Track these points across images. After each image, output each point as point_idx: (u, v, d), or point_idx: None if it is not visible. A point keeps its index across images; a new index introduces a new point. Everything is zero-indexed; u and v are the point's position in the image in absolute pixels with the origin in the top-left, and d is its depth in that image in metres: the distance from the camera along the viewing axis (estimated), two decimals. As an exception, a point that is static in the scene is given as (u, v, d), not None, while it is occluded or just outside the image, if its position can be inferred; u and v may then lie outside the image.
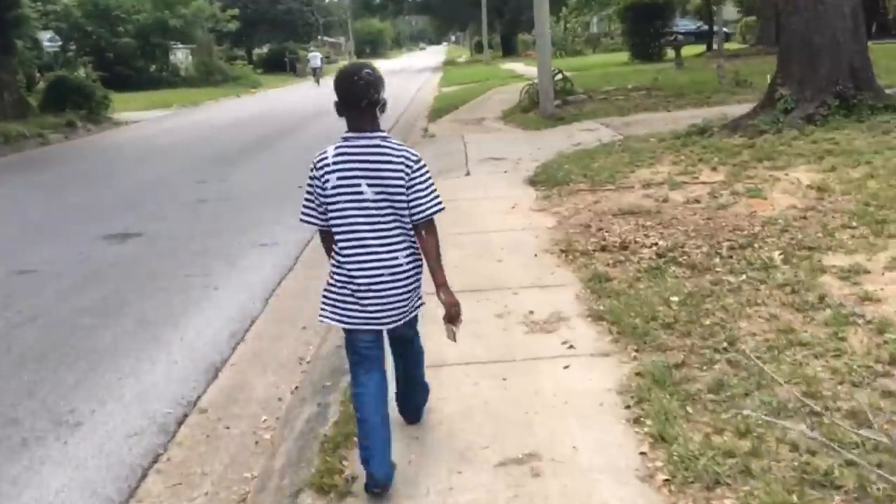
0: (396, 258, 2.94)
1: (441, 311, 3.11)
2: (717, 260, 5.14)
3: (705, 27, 33.75)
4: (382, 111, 2.94)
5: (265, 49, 66.48)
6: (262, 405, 4.30)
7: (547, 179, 8.53)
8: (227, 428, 4.06)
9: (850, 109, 8.78)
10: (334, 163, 2.89)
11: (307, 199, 3.00)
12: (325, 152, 2.93)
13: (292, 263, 6.99)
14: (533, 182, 8.69)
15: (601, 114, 13.77)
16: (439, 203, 2.99)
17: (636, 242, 5.79)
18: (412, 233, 2.98)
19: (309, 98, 32.03)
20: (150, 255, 7.45)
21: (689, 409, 3.33)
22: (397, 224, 2.93)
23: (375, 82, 2.87)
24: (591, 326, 4.42)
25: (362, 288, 2.94)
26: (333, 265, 3.00)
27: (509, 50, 59.00)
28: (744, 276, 4.75)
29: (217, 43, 52.80)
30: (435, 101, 22.88)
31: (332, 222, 2.93)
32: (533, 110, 15.48)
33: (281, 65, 58.70)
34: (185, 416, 4.24)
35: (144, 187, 11.50)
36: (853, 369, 3.45)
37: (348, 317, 3.01)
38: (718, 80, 15.26)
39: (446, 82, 32.36)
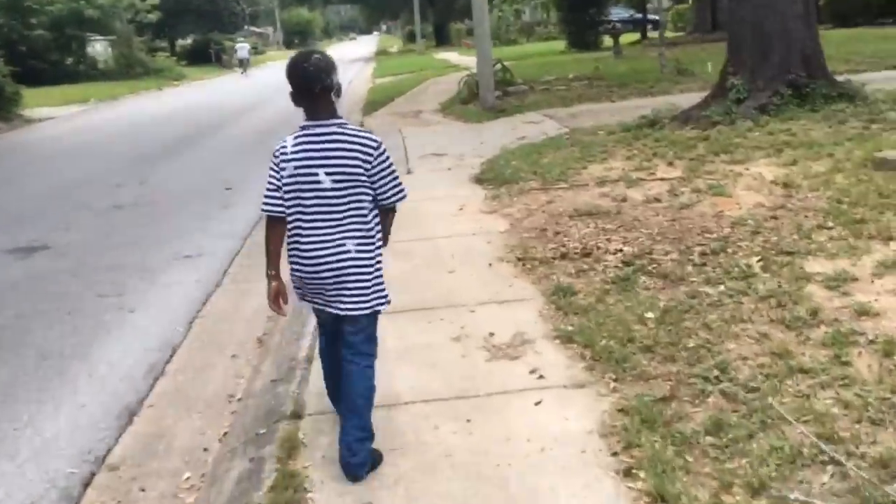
0: (344, 245, 2.92)
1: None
2: (689, 268, 4.71)
3: (638, 15, 33.85)
4: (338, 95, 2.95)
5: (189, 40, 64.37)
6: (184, 457, 3.67)
7: (494, 177, 8.03)
8: (143, 490, 3.43)
9: (804, 98, 8.52)
10: (293, 152, 2.90)
11: (270, 188, 2.96)
12: (284, 141, 2.95)
13: (220, 278, 6.32)
14: (480, 180, 8.18)
15: (544, 105, 13.35)
16: (402, 191, 3.03)
17: (599, 248, 5.32)
18: (366, 221, 2.97)
19: (237, 90, 30.89)
20: (58, 273, 6.65)
21: (688, 458, 2.86)
22: (351, 212, 2.92)
23: (327, 67, 2.88)
24: (561, 350, 3.92)
25: (310, 274, 2.97)
26: (288, 250, 3.02)
27: (442, 39, 58.38)
28: (722, 287, 4.33)
29: (138, 34, 50.82)
30: (369, 93, 22.16)
31: (288, 210, 2.93)
32: (473, 102, 14.98)
33: (206, 56, 56.77)
34: (93, 475, 3.58)
35: (55, 192, 10.56)
36: (868, 403, 3.03)
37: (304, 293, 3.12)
38: (660, 69, 15.02)
39: (380, 73, 31.60)
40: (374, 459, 3.05)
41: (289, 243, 2.99)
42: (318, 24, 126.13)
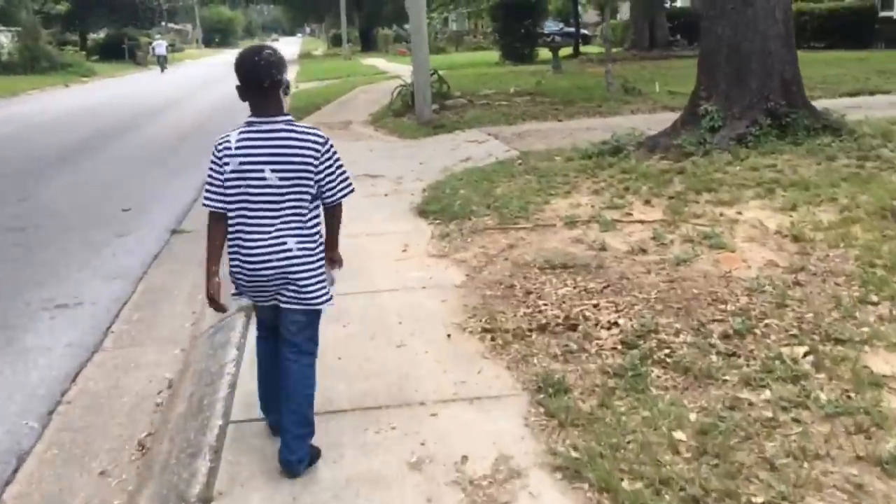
0: (286, 243, 2.86)
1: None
2: (713, 357, 3.66)
3: (569, 29, 33.38)
4: (286, 93, 2.92)
5: (102, 35, 61.12)
6: None
7: (441, 210, 6.88)
8: None
9: (784, 129, 7.68)
10: (237, 148, 2.82)
11: (211, 182, 2.88)
12: (227, 137, 2.86)
13: (99, 340, 4.97)
14: (424, 212, 7.02)
15: (486, 121, 12.29)
16: (350, 185, 2.99)
17: (587, 319, 4.23)
18: (305, 218, 2.90)
19: (150, 89, 28.90)
20: None
21: None
22: (295, 210, 2.87)
23: (277, 63, 2.81)
24: (567, 494, 2.80)
25: (252, 271, 2.90)
26: (229, 246, 2.94)
27: (369, 44, 57.14)
28: (768, 393, 3.29)
29: (45, 26, 47.72)
30: (293, 98, 20.69)
31: (229, 206, 2.86)
32: (407, 114, 13.83)
33: (119, 52, 53.83)
34: None
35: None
36: None
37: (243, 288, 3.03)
38: (606, 86, 14.17)
39: (304, 77, 30.09)
40: (313, 455, 3.07)
41: (230, 240, 2.91)
42: (239, 22, 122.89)
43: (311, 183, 2.85)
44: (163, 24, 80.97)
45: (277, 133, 2.79)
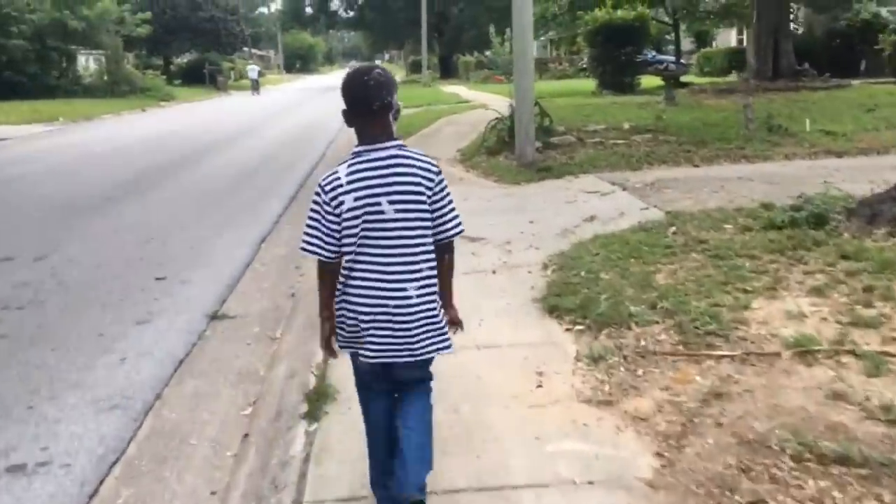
0: (405, 289, 2.53)
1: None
2: None
3: (662, 57, 30.96)
4: (396, 118, 2.57)
5: (186, 59, 61.54)
6: None
7: (581, 308, 4.76)
8: None
9: None
10: (348, 182, 2.48)
11: (312, 226, 2.56)
12: (335, 172, 2.52)
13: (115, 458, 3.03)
14: (554, 308, 4.91)
15: (602, 165, 10.14)
16: (460, 222, 2.67)
17: None
18: (430, 256, 2.57)
19: (225, 115, 27.81)
20: None
21: None
22: (414, 248, 2.54)
23: (388, 83, 2.52)
24: None
25: (360, 321, 2.55)
26: (338, 295, 2.60)
27: (448, 71, 55.71)
28: None
29: (127, 49, 47.90)
30: (371, 129, 18.97)
31: (347, 249, 2.53)
32: (503, 153, 11.82)
33: (201, 77, 53.87)
34: None
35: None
36: None
37: (350, 343, 2.66)
38: (745, 123, 11.83)
39: (383, 105, 28.50)
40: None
41: (340, 283, 2.59)
42: (320, 49, 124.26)
43: (429, 216, 2.55)
44: (245, 49, 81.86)
45: (390, 160, 2.50)
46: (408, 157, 2.53)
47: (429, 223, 2.55)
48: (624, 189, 8.60)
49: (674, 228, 6.37)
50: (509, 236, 7.05)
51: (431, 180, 2.54)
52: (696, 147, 10.88)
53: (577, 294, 5.04)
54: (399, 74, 74.19)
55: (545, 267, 5.94)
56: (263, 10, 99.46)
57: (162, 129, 22.39)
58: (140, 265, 7.09)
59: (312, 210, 2.56)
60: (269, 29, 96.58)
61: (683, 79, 27.50)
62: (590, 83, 24.62)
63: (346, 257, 2.54)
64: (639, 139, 11.72)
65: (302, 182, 11.65)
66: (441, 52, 59.34)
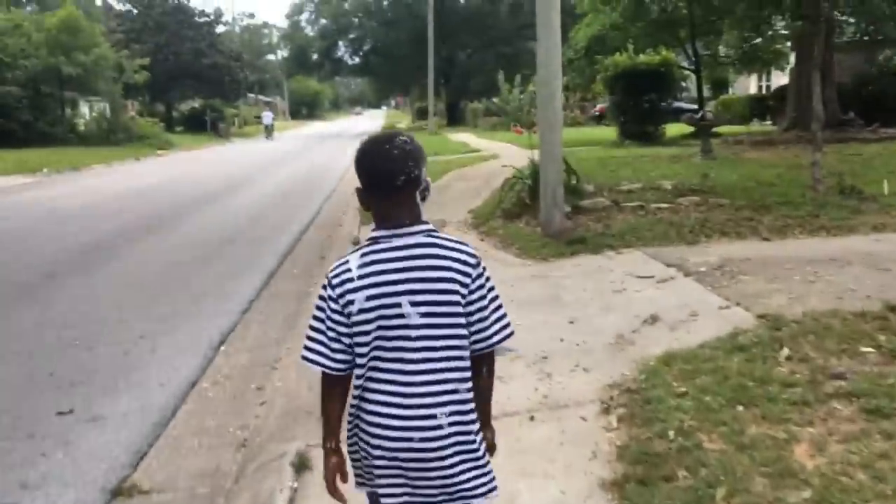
0: (434, 416, 1.96)
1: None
2: None
3: (678, 104, 29.35)
4: (424, 198, 2.04)
5: (190, 106, 60.50)
6: None
7: (672, 497, 2.90)
8: None
9: None
10: (360, 276, 1.98)
11: (316, 328, 2.03)
12: (345, 262, 2.01)
13: None
14: (639, 497, 3.05)
15: (647, 236, 8.29)
16: (508, 323, 2.10)
17: None
18: (462, 377, 1.99)
19: (221, 166, 26.23)
20: None
21: None
22: (445, 363, 1.97)
23: (415, 153, 1.99)
24: None
25: (381, 453, 1.99)
26: (351, 420, 2.07)
27: (455, 118, 54.38)
28: None
29: (130, 96, 46.77)
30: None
31: (358, 360, 1.99)
32: (524, 216, 10.03)
33: (204, 124, 52.67)
34: None
35: None
36: None
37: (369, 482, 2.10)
38: (813, 184, 9.99)
39: (387, 154, 26.89)
40: None
41: (352, 405, 2.05)
42: (327, 95, 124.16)
43: (464, 321, 2.00)
44: (250, 96, 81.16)
45: (415, 250, 1.98)
46: (439, 246, 2.00)
47: (464, 330, 2.00)
48: (685, 274, 6.74)
49: (787, 352, 4.49)
50: (545, 345, 5.21)
51: (468, 275, 2.00)
52: (757, 214, 9.02)
53: (673, 482, 3.17)
54: (405, 121, 73.24)
55: (606, 410, 4.08)
56: (271, 56, 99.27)
57: (149, 181, 20.74)
58: (46, 387, 5.25)
59: (318, 308, 2.04)
60: (275, 76, 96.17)
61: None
62: (609, 132, 22.95)
63: (358, 371, 2.00)
64: (685, 202, 9.86)
65: (286, 252, 9.86)
66: (448, 99, 58.14)
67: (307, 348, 2.05)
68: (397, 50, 53.90)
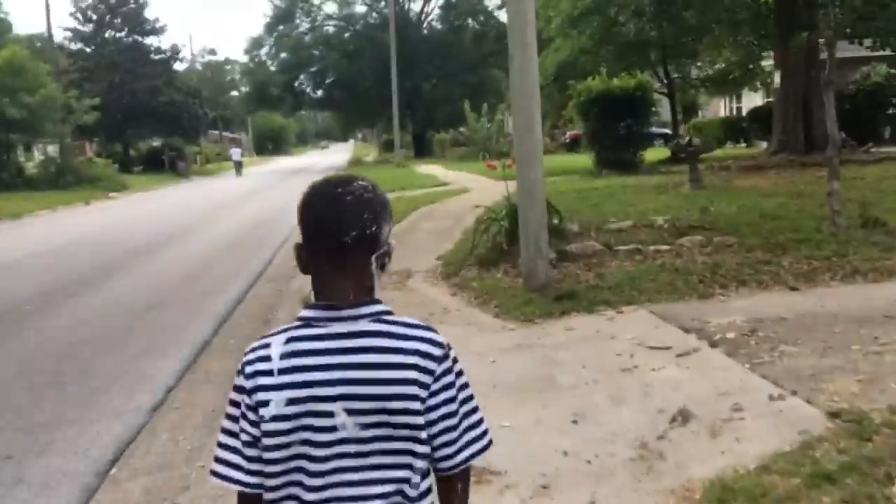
0: None
1: None
2: None
3: (660, 130, 28.42)
4: (383, 265, 1.54)
5: (152, 145, 58.76)
6: None
7: None
8: None
9: None
10: (282, 370, 1.48)
11: (229, 432, 1.55)
12: (265, 346, 1.52)
13: None
14: None
15: (649, 287, 6.90)
16: (485, 432, 1.59)
17: None
18: (413, 498, 1.51)
19: (173, 207, 24.66)
20: None
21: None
22: (389, 485, 1.48)
23: (375, 204, 1.52)
24: None
25: None
26: None
27: (422, 150, 53.23)
28: None
29: (85, 137, 45.02)
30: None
31: (269, 481, 1.50)
32: (501, 264, 8.66)
33: (162, 163, 50.95)
34: None
35: None
36: None
37: None
38: (831, 217, 8.70)
39: (351, 191, 25.47)
40: None
41: None
42: (292, 129, 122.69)
43: (422, 434, 1.49)
44: (213, 132, 79.53)
45: (361, 340, 1.47)
46: (392, 336, 1.48)
47: (423, 447, 1.50)
48: (710, 343, 5.37)
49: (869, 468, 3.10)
50: (543, 462, 3.82)
51: (431, 372, 1.49)
52: (773, 255, 7.71)
53: None
54: (372, 154, 71.91)
55: None
56: (235, 92, 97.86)
57: (91, 229, 19.09)
58: None
59: (231, 403, 1.54)
60: (239, 112, 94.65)
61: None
62: (584, 160, 21.76)
63: (269, 497, 1.51)
64: (687, 243, 8.52)
65: (225, 316, 8.38)
66: (414, 130, 57.06)
67: (218, 459, 1.56)
68: (361, 82, 52.79)
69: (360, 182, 1.55)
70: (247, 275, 10.99)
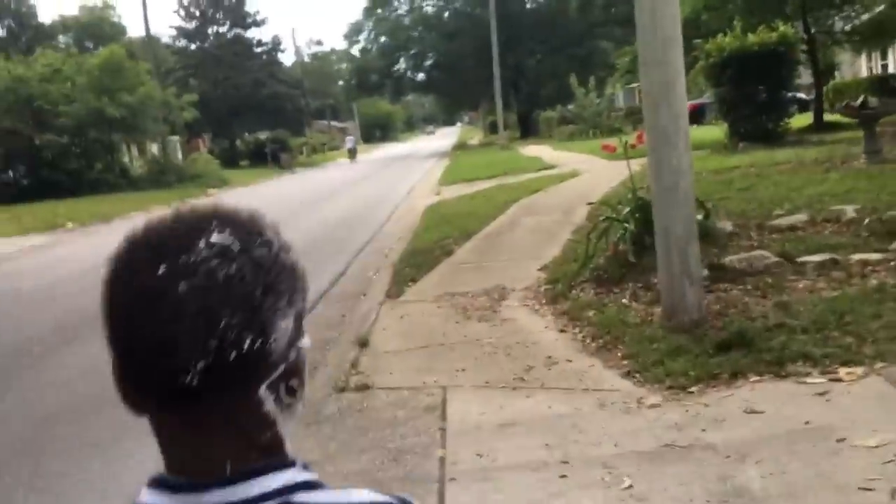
0: None
1: None
2: None
3: (797, 95, 24.76)
4: (291, 391, 0.78)
5: (256, 138, 58.98)
6: None
7: None
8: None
9: None
10: None
11: None
12: None
13: None
14: None
15: (871, 330, 4.36)
16: None
17: None
18: None
19: (269, 202, 23.26)
20: None
21: None
22: None
23: (250, 283, 0.72)
24: None
25: None
26: None
27: (528, 130, 50.54)
28: None
29: (188, 133, 45.03)
30: (422, 220, 13.63)
31: None
32: (629, 282, 6.23)
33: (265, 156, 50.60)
34: None
35: None
36: None
37: None
38: None
39: (450, 178, 23.38)
40: None
41: None
42: (399, 116, 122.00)
43: None
44: (322, 122, 79.53)
45: None
46: None
47: None
48: None
49: None
50: None
51: None
52: None
53: None
54: (476, 137, 69.55)
55: None
56: (341, 82, 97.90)
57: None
58: None
59: None
60: (344, 101, 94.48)
61: (828, 118, 21.36)
62: (714, 132, 18.69)
63: None
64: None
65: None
66: (519, 109, 54.34)
67: None
68: (462, 62, 50.55)
69: (215, 235, 0.72)
70: (339, 259, 9.12)
